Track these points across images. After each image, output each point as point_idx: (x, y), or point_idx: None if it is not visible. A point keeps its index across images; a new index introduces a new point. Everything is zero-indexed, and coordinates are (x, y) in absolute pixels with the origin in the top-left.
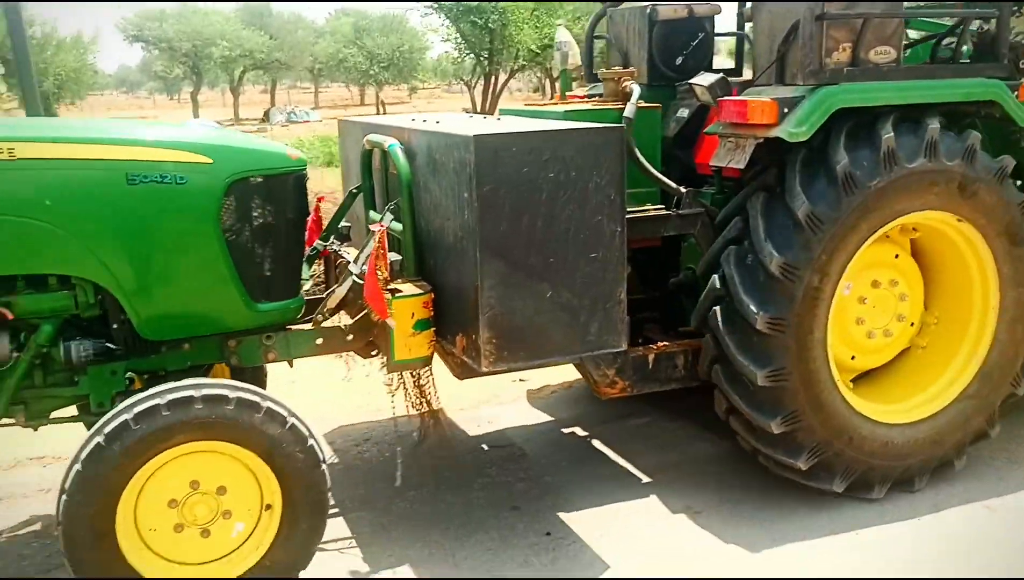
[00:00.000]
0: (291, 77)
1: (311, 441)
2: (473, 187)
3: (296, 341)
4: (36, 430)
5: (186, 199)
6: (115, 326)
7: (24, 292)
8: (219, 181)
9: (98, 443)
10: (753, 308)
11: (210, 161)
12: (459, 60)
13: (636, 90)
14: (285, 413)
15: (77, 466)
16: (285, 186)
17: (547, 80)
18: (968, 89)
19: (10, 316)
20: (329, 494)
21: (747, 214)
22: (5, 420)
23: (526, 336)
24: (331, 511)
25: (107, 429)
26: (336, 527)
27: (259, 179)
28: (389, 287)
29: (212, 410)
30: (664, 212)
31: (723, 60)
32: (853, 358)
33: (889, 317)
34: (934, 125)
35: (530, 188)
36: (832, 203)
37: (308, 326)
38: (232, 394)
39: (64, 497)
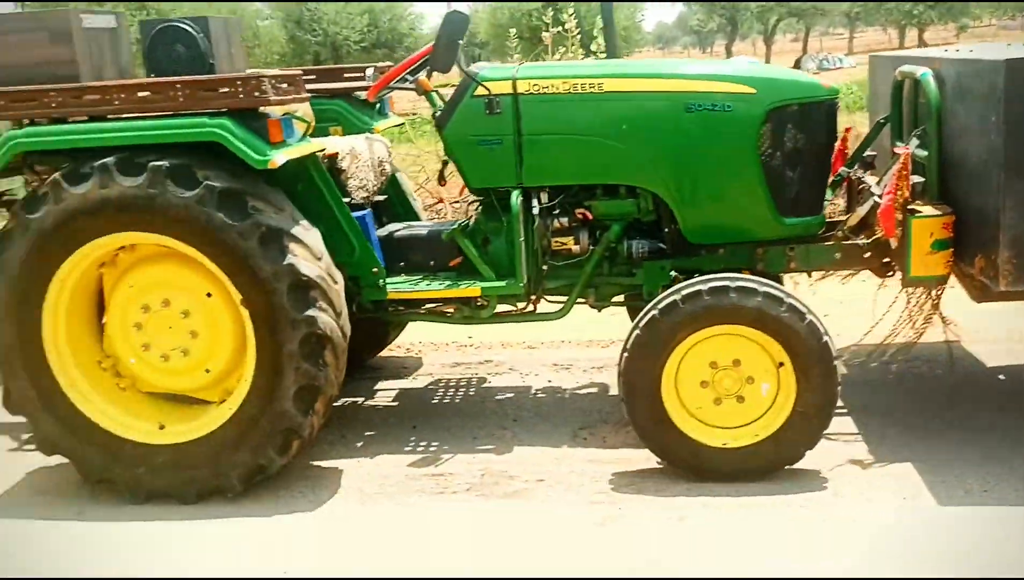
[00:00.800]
0: (824, 23)
1: (810, 316)
2: (1001, 111)
3: (816, 253)
4: (599, 311)
5: (731, 124)
6: (666, 230)
7: (601, 198)
8: (760, 109)
9: (653, 315)
10: None
11: (754, 91)
12: None
13: None
14: (802, 306)
15: (636, 331)
16: (817, 114)
17: None
18: None
19: (590, 217)
20: (836, 366)
21: None
22: (579, 299)
23: None
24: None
25: (661, 305)
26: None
27: (795, 107)
28: (908, 208)
29: (742, 299)
30: None
31: None
32: None
33: None
34: None
35: None
36: None
37: (829, 242)
38: (759, 287)
39: (625, 354)
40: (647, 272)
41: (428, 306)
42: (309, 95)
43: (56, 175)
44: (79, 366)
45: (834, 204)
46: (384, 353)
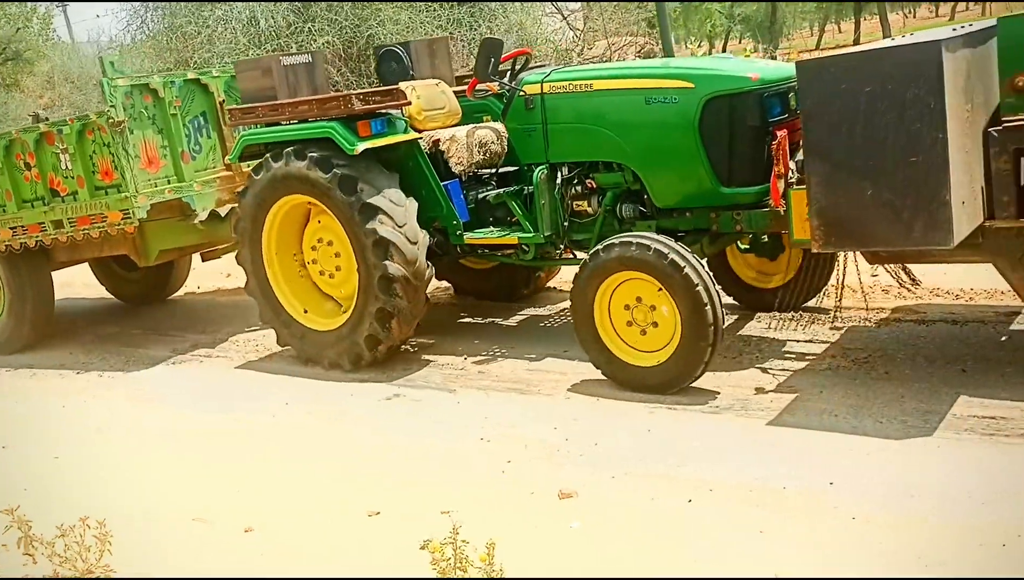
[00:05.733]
0: None
1: (687, 267)
2: (798, 103)
3: (756, 218)
4: None
5: (677, 113)
6: (646, 197)
7: (600, 172)
8: (698, 99)
9: (597, 250)
10: None
11: (692, 86)
12: None
13: None
14: (681, 258)
15: (586, 260)
16: (746, 101)
17: None
18: None
19: (594, 186)
20: (707, 308)
21: None
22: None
23: (851, 225)
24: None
25: (603, 245)
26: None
27: (726, 97)
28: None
29: (638, 252)
30: None
31: None
32: None
33: None
34: None
35: (848, 101)
36: None
37: (766, 209)
38: (651, 243)
39: (576, 276)
40: (639, 230)
41: (502, 250)
42: (405, 102)
43: (267, 155)
44: (280, 260)
45: None
46: None
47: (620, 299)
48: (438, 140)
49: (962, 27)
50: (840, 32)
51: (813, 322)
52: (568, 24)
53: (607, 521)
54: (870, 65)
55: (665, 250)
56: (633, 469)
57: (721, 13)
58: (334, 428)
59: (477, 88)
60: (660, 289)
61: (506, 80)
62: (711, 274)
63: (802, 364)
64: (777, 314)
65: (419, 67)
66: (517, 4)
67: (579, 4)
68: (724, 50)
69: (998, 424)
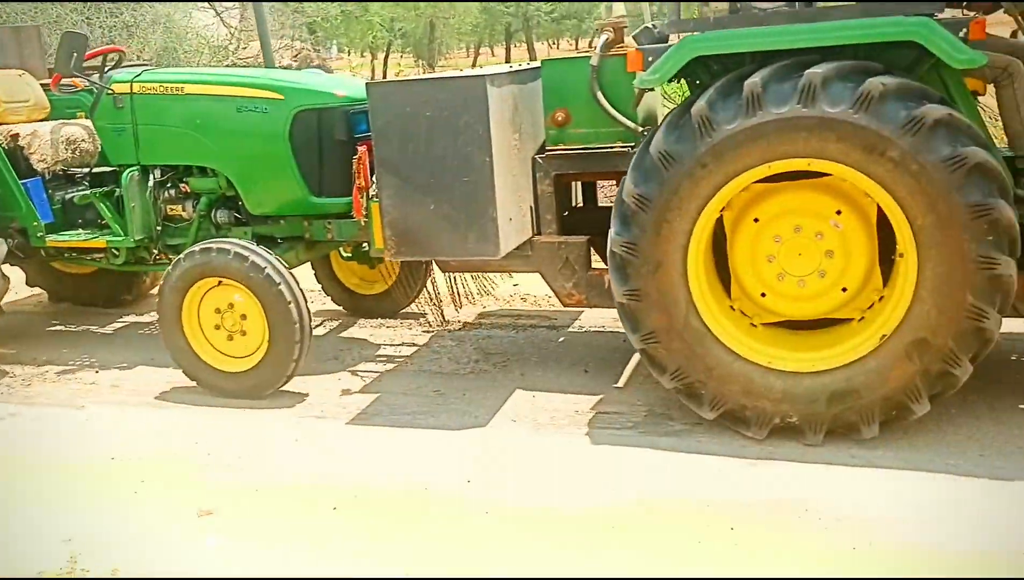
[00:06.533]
0: None
1: (268, 269)
2: (369, 122)
3: (346, 227)
4: None
5: (268, 123)
6: (241, 204)
7: (195, 176)
8: (288, 111)
9: (179, 258)
10: None
11: (282, 97)
12: None
13: (601, 39)
14: (263, 261)
15: (170, 268)
16: (334, 116)
17: None
18: (881, 29)
19: (189, 190)
20: (291, 307)
21: None
22: None
23: (417, 236)
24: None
25: (184, 253)
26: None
27: (314, 111)
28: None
29: (218, 257)
30: (623, 148)
31: None
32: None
33: (807, 268)
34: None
35: (412, 124)
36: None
37: (355, 218)
38: (232, 248)
39: (161, 286)
40: (236, 236)
41: (91, 254)
42: None
43: None
44: None
45: None
46: None
47: (209, 305)
48: (17, 135)
49: (519, 65)
50: (493, 55)
51: (431, 327)
52: (222, 20)
53: (247, 536)
54: (429, 92)
55: (246, 253)
56: (278, 480)
57: (382, 26)
58: None
59: (61, 83)
60: (246, 292)
61: (96, 77)
62: (295, 276)
63: (449, 367)
64: (385, 320)
65: (3, 56)
66: None
67: (234, 2)
68: (386, 62)
69: (613, 418)
